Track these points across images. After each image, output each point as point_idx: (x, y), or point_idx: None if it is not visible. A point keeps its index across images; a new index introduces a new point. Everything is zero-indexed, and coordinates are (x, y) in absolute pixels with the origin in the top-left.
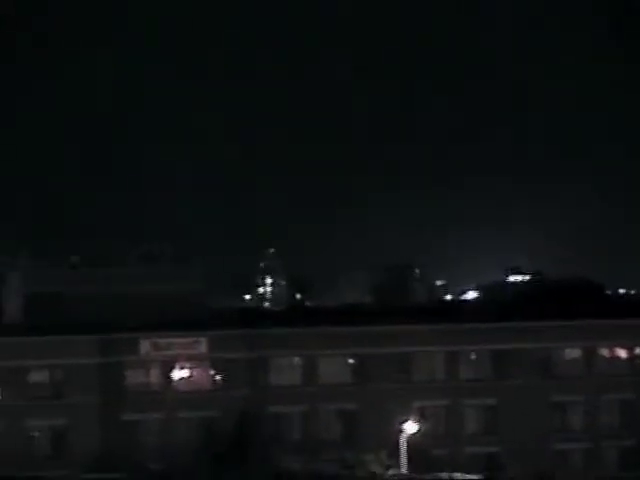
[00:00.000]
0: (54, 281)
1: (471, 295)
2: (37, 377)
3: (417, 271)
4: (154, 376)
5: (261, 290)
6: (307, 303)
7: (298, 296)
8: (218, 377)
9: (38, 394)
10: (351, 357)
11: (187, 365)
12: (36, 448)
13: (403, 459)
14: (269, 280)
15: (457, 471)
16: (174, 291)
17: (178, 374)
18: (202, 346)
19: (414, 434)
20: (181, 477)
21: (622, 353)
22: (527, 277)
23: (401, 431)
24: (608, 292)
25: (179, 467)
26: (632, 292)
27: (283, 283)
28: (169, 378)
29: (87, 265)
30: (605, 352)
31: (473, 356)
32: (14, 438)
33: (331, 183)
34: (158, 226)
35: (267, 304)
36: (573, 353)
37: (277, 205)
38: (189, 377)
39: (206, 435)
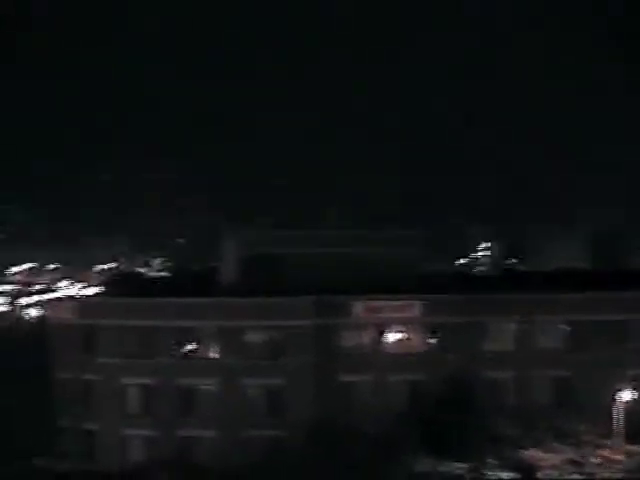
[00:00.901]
0: (272, 243)
1: None
2: (254, 338)
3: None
4: (368, 338)
5: (475, 255)
6: (520, 268)
7: (511, 261)
8: (431, 341)
9: (254, 354)
10: (566, 324)
11: (400, 328)
12: (252, 407)
13: (619, 428)
14: (483, 244)
15: None
16: (390, 254)
17: (391, 337)
18: (415, 310)
19: (629, 403)
20: (393, 440)
21: None
22: None
23: (616, 400)
24: None
25: (391, 429)
26: None
27: (496, 248)
28: (382, 341)
29: (301, 227)
30: None
31: None
32: (231, 396)
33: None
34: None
35: (481, 268)
36: None
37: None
38: (402, 340)
39: (419, 398)
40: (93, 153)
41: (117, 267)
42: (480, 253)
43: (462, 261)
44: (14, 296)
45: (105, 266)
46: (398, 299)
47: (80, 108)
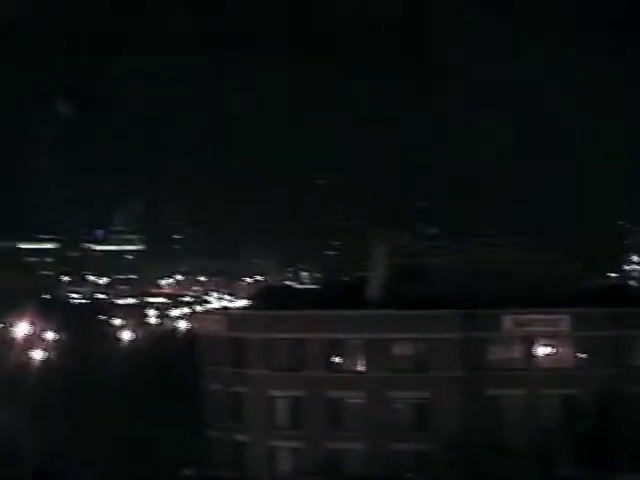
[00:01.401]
0: (417, 253)
1: None
2: (401, 350)
3: None
4: (516, 352)
5: (627, 267)
6: None
7: None
8: (581, 355)
9: (401, 367)
10: None
11: (549, 342)
12: (399, 420)
13: None
14: (635, 258)
15: None
16: (538, 267)
17: (540, 351)
18: (565, 323)
19: None
20: (541, 454)
21: None
22: None
23: None
24: None
25: (539, 444)
26: None
27: None
28: (531, 355)
29: (449, 237)
30: None
31: None
32: (378, 409)
33: None
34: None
35: (633, 282)
36: None
37: None
38: (551, 354)
39: (568, 413)
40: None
41: (266, 279)
42: (631, 267)
43: (613, 275)
44: (165, 308)
45: (254, 278)
46: (548, 312)
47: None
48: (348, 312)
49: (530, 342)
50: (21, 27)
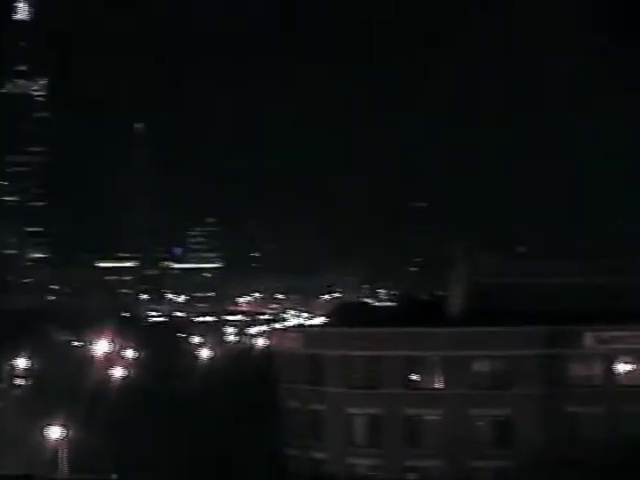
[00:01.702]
0: (500, 271)
1: None
2: (481, 367)
3: None
4: (596, 369)
5: None
6: None
7: None
8: None
9: (481, 384)
10: None
11: (630, 359)
12: (479, 437)
13: None
14: None
15: None
16: (619, 283)
17: (621, 368)
18: None
19: None
20: (622, 472)
21: None
22: None
23: None
24: None
25: (620, 462)
26: None
27: None
28: (612, 372)
29: (534, 256)
30: None
31: None
32: (457, 426)
33: None
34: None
35: None
36: None
37: None
38: (632, 371)
39: None
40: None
41: (343, 297)
42: None
43: None
44: (243, 326)
45: (331, 296)
46: (630, 329)
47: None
48: (426, 329)
49: (611, 359)
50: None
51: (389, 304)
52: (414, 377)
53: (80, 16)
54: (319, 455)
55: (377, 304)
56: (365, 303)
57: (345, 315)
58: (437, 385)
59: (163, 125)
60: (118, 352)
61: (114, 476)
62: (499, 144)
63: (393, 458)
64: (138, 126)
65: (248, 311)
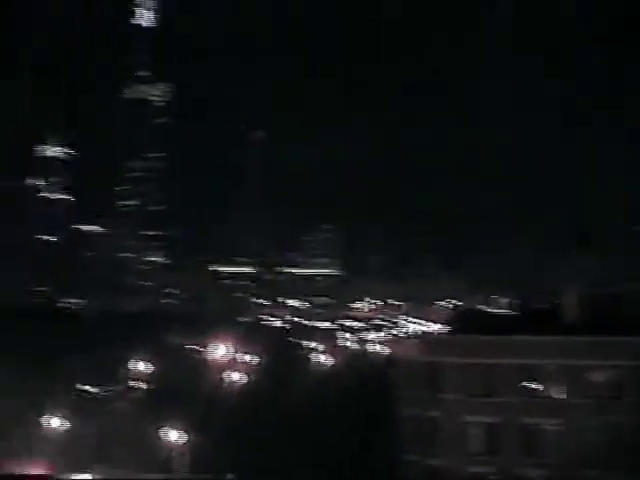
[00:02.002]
0: (614, 281)
1: None
2: (596, 377)
3: None
4: None
5: None
6: None
7: None
8: None
9: (597, 393)
10: None
11: None
12: (594, 447)
13: None
14: None
15: None
16: None
17: None
18: None
19: None
20: None
21: None
22: None
23: None
24: None
25: None
26: None
27: None
28: None
29: None
30: None
31: None
32: (575, 435)
33: None
34: None
35: None
36: None
37: None
38: None
39: None
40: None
41: (460, 304)
42: None
43: None
44: (360, 332)
45: (448, 302)
46: None
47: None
48: (544, 338)
49: None
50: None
51: (506, 312)
52: (532, 386)
53: (200, 21)
54: (435, 462)
55: (494, 312)
56: (482, 311)
57: (463, 323)
58: (555, 394)
59: (281, 130)
60: (234, 356)
61: (230, 476)
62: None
63: (509, 467)
64: (256, 131)
65: (364, 317)
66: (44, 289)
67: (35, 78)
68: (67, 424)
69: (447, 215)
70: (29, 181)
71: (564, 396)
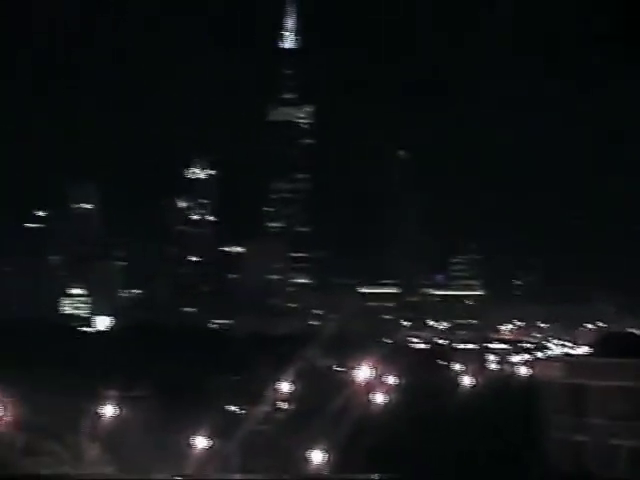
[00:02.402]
0: None
1: None
2: None
3: None
4: None
5: None
6: None
7: None
8: None
9: None
10: None
11: None
12: None
13: None
14: None
15: None
16: None
17: None
18: None
19: None
20: None
21: None
22: None
23: None
24: None
25: None
26: None
27: None
28: None
29: None
30: None
31: None
32: None
33: None
34: None
35: None
36: None
37: None
38: None
39: None
40: None
41: (607, 326)
42: None
43: None
44: (504, 354)
45: (595, 325)
46: None
47: None
48: None
49: None
50: None
51: None
52: None
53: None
54: None
55: None
56: (630, 333)
57: (610, 345)
58: None
59: (425, 151)
60: (379, 378)
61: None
62: None
63: None
64: (401, 152)
65: (510, 339)
66: (193, 309)
67: (176, 105)
68: (212, 443)
69: (602, 236)
70: (177, 202)
71: None
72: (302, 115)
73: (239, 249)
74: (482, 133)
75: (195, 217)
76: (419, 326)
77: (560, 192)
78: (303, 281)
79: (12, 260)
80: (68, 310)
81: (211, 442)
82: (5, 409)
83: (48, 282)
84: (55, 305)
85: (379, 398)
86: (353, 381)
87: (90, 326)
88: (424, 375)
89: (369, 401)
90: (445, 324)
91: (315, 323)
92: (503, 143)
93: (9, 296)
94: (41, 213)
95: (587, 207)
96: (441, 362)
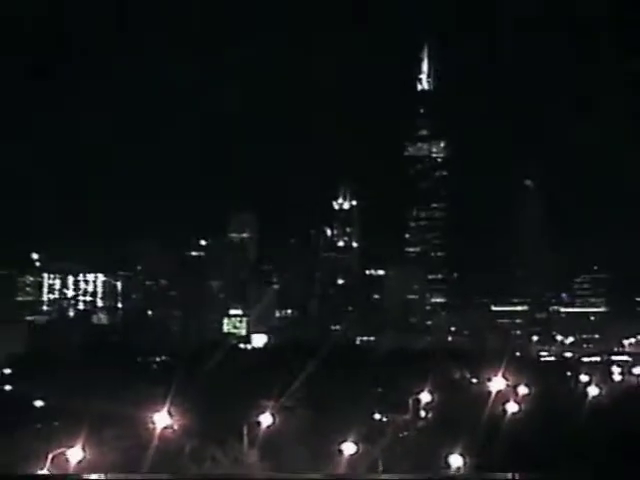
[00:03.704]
0: None
1: None
2: None
3: None
4: None
5: None
6: None
7: None
8: None
9: None
10: None
11: None
12: None
13: None
14: None
15: None
16: None
17: None
18: None
19: None
20: None
21: None
22: None
23: None
24: None
25: None
26: None
27: None
28: None
29: None
30: None
31: None
32: None
33: None
34: None
35: None
36: None
37: None
38: None
39: None
40: None
41: None
42: None
43: None
44: (628, 365)
45: None
46: None
47: None
48: None
49: None
50: None
51: None
52: None
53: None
54: None
55: None
56: None
57: None
58: None
59: (551, 180)
60: (512, 388)
61: None
62: None
63: None
64: (527, 182)
65: (633, 352)
66: (338, 327)
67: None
68: (359, 447)
69: None
70: (325, 231)
71: None
72: (436, 150)
73: (381, 272)
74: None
75: (341, 244)
76: (547, 340)
77: None
78: (440, 300)
79: (178, 284)
80: (228, 329)
81: (354, 447)
82: (176, 418)
83: (210, 304)
84: (218, 325)
85: (512, 407)
86: (488, 392)
87: (248, 343)
88: (553, 386)
89: (504, 410)
90: (571, 338)
91: (452, 339)
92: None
93: (175, 317)
94: (203, 242)
95: None
96: (569, 373)
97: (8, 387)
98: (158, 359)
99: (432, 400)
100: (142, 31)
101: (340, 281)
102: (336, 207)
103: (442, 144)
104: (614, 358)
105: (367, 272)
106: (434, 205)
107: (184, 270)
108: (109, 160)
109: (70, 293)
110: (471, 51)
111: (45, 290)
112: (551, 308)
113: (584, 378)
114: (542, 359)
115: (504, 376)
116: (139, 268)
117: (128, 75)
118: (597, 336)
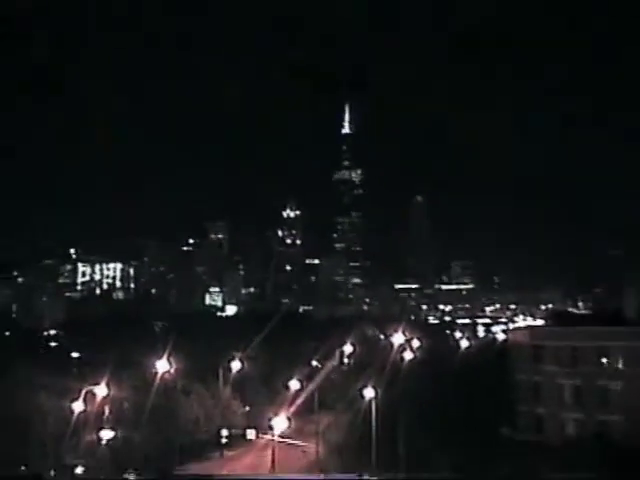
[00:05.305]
0: None
1: None
2: None
3: None
4: None
5: None
6: None
7: None
8: None
9: None
10: None
11: None
12: None
13: None
14: None
15: None
16: None
17: None
18: None
19: None
20: None
21: None
22: None
23: None
24: None
25: None
26: None
27: None
28: None
29: None
30: None
31: None
32: (633, 393)
33: None
34: None
35: None
36: None
37: None
38: None
39: None
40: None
41: (554, 307)
42: None
43: None
44: (488, 325)
45: (546, 306)
46: None
47: None
48: (611, 328)
49: None
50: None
51: (586, 312)
52: (603, 360)
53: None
54: (540, 411)
55: (577, 312)
56: (569, 311)
57: (556, 319)
58: (619, 366)
59: (435, 196)
60: (408, 341)
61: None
62: None
63: (590, 414)
64: (418, 197)
65: (492, 316)
66: (287, 300)
67: (278, 167)
68: (300, 385)
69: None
70: (277, 232)
71: (626, 366)
72: (354, 175)
73: (317, 261)
74: None
75: (288, 241)
76: (433, 309)
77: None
78: (358, 281)
79: (174, 270)
80: (209, 302)
81: (298, 384)
82: (172, 364)
83: (196, 284)
84: (202, 299)
85: (408, 355)
86: (392, 344)
87: (223, 312)
88: (437, 340)
89: (402, 357)
90: (449, 307)
91: (366, 307)
92: None
93: (171, 294)
94: (191, 240)
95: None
96: (447, 332)
97: (53, 343)
98: (160, 324)
99: (353, 351)
100: None
101: (288, 268)
102: (285, 215)
103: (359, 171)
104: (479, 321)
105: (307, 261)
106: (354, 214)
107: (178, 260)
108: (127, 180)
109: (97, 277)
110: (378, 106)
111: (79, 275)
112: (435, 286)
113: (458, 334)
114: (429, 322)
115: (403, 333)
116: (146, 259)
117: None
118: (467, 305)
